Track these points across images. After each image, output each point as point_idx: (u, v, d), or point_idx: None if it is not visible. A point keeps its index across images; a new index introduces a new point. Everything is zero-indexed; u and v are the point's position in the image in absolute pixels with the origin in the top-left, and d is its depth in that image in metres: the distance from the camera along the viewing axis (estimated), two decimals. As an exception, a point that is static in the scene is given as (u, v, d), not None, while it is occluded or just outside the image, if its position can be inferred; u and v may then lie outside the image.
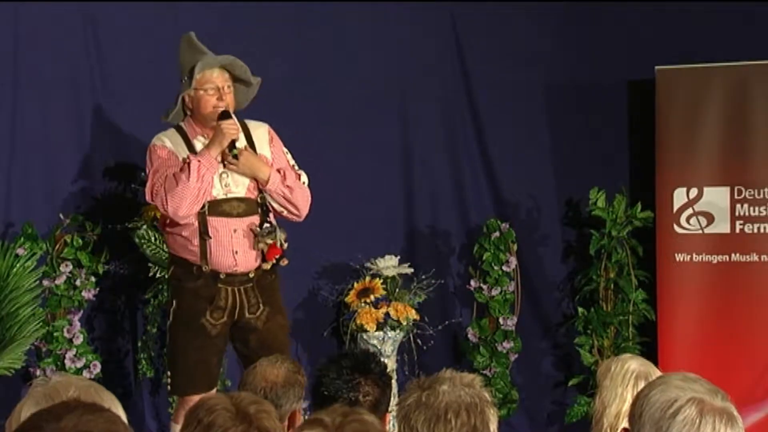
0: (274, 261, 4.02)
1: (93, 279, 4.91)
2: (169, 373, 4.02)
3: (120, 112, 5.15)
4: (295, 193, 4.06)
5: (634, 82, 5.78)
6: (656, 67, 5.51)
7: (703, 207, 5.44)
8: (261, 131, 4.12)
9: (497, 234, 5.64)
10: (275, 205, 4.06)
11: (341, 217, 5.43)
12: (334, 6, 5.54)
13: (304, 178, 4.16)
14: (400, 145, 5.79)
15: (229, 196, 3.98)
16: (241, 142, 4.04)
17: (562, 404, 5.72)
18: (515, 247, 5.67)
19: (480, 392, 2.23)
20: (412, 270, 5.50)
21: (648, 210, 5.53)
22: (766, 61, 5.37)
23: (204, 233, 3.93)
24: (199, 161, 3.88)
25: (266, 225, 4.00)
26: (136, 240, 4.98)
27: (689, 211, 5.46)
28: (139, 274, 5.10)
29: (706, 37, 5.58)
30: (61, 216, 4.89)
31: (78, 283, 4.86)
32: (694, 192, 5.46)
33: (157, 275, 5.01)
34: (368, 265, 5.43)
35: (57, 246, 4.87)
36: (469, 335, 5.64)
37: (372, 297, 5.31)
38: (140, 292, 5.13)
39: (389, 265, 5.42)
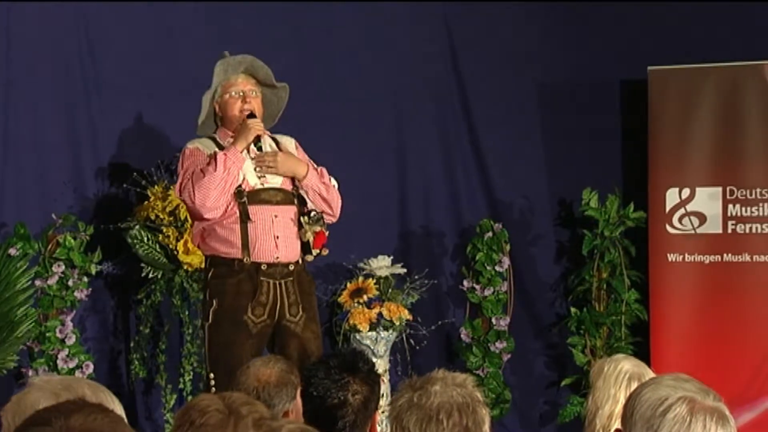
0: (320, 250, 4.06)
1: (85, 279, 4.89)
2: (212, 375, 4.00)
3: (112, 112, 5.14)
4: (331, 192, 4.15)
5: (626, 82, 5.79)
6: (649, 68, 5.52)
7: (696, 207, 5.45)
8: (287, 140, 4.21)
9: (490, 234, 5.65)
10: (310, 205, 4.12)
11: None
12: (328, 7, 5.54)
13: (334, 182, 4.24)
14: (393, 146, 5.79)
15: (266, 186, 4.04)
16: (267, 146, 4.11)
17: (555, 404, 5.72)
18: (508, 247, 5.67)
19: (472, 392, 2.23)
20: (405, 270, 5.50)
21: (640, 210, 5.54)
22: (759, 62, 5.38)
23: (246, 217, 3.97)
24: (225, 154, 3.94)
25: (314, 212, 4.04)
26: (129, 240, 4.97)
27: (681, 211, 5.47)
28: (131, 275, 5.09)
29: (698, 37, 5.59)
30: (54, 216, 4.88)
31: (70, 283, 4.85)
32: (686, 192, 5.46)
33: (150, 275, 5.00)
34: (361, 265, 5.43)
35: (49, 246, 4.86)
36: (462, 335, 5.64)
37: (365, 297, 5.31)
38: (133, 293, 5.12)
39: (382, 265, 5.42)
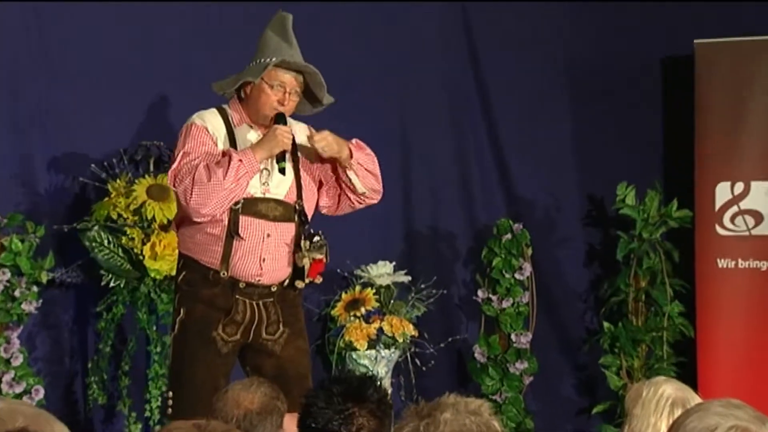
0: (314, 278, 4.09)
1: (35, 289, 4.89)
2: (170, 393, 4.03)
3: (65, 92, 5.14)
4: (375, 162, 4.15)
5: (669, 59, 5.79)
6: (695, 41, 5.52)
7: (750, 205, 5.45)
8: (300, 127, 4.20)
9: (509, 236, 5.65)
10: (359, 185, 4.12)
11: (328, 217, 5.41)
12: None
13: None
14: (397, 135, 5.79)
15: (267, 196, 4.04)
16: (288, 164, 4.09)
17: (585, 435, 5.75)
18: (530, 251, 5.68)
19: (488, 421, 2.24)
20: (409, 278, 5.51)
21: (685, 208, 5.54)
22: (823, 34, 5.39)
23: (234, 232, 3.98)
24: (240, 161, 3.94)
25: (317, 238, 4.06)
26: (87, 243, 4.97)
27: (734, 209, 5.47)
28: (89, 284, 5.09)
29: (751, 6, 5.59)
30: (-2, 215, 4.90)
31: (17, 293, 4.85)
32: (739, 187, 5.47)
33: (111, 284, 5.01)
34: (358, 272, 5.44)
35: (-7, 250, 4.88)
36: (476, 354, 5.65)
37: (363, 310, 5.32)
38: (91, 305, 5.13)
39: (383, 272, 5.43)
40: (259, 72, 4.01)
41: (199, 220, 3.98)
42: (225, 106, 4.11)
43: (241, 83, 4.06)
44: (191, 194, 3.91)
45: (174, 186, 3.97)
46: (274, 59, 4.01)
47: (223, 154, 3.99)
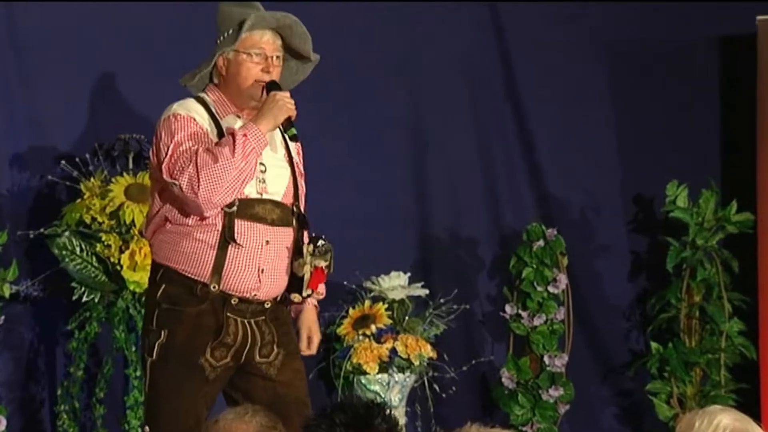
0: (314, 290, 4.12)
1: (-3, 304, 4.94)
2: (147, 428, 4.04)
3: (34, 80, 5.16)
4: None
5: (727, 38, 5.80)
6: (758, 18, 5.53)
7: (822, 206, 5.47)
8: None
9: (541, 243, 5.66)
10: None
11: (332, 221, 5.43)
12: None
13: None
14: (410, 126, 5.80)
15: (265, 197, 4.04)
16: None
17: (630, 472, 5.77)
18: (565, 260, 5.69)
19: (518, 454, 2.27)
20: (426, 291, 5.52)
21: (746, 211, 5.55)
22: None
23: (230, 238, 3.98)
24: (245, 135, 3.93)
25: (321, 242, 4.07)
26: (56, 251, 4.99)
27: (803, 211, 5.49)
28: (59, 298, 5.11)
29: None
30: (-46, 219, 4.94)
31: (-24, 309, 4.90)
32: (809, 186, 5.49)
33: (84, 299, 5.03)
34: (368, 284, 5.45)
35: (-52, 259, 4.91)
36: (503, 379, 5.66)
37: (373, 328, 5.33)
38: (61, 322, 5.15)
39: (396, 284, 5.43)
40: (233, 41, 4.02)
41: (208, 213, 3.95)
42: (202, 95, 4.10)
43: (214, 64, 4.05)
44: (198, 182, 3.88)
45: (173, 178, 3.92)
46: (248, 23, 4.00)
47: (222, 135, 3.99)
